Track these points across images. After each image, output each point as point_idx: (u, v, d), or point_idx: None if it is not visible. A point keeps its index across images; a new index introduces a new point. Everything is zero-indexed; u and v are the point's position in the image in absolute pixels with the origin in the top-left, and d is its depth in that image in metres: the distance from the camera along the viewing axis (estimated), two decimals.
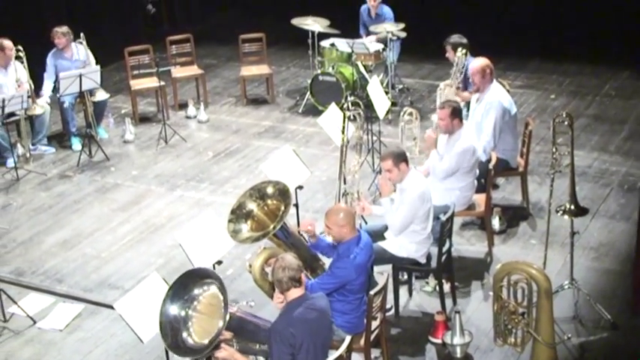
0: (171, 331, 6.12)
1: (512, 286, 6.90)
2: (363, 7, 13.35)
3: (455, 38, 10.46)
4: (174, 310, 6.15)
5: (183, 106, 13.53)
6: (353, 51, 12.84)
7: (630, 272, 8.26)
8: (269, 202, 7.47)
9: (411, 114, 9.83)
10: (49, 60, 12.28)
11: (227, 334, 6.11)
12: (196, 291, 6.23)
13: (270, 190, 7.50)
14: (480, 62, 9.56)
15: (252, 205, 7.49)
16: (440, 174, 8.63)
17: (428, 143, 8.55)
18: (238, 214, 7.46)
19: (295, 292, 6.04)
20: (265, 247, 7.29)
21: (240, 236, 7.37)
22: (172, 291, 6.17)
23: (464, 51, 10.27)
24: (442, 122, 8.69)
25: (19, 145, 12.09)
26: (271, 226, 7.22)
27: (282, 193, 7.44)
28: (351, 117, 9.51)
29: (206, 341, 6.09)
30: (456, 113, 8.65)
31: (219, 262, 7.37)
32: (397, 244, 7.80)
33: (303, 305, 6.02)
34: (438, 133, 8.82)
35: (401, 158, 7.69)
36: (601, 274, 8.60)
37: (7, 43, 11.79)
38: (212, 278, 6.28)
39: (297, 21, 13.30)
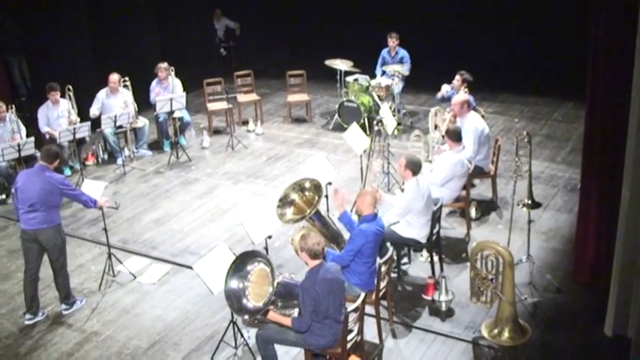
0: (235, 299, 6.18)
1: (484, 259, 6.86)
2: (384, 50, 13.23)
3: (467, 75, 10.50)
4: (234, 284, 6.22)
5: (245, 122, 13.49)
6: (370, 84, 12.80)
7: (571, 251, 8.21)
8: (307, 193, 7.48)
9: (418, 135, 9.80)
10: (152, 87, 12.35)
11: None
12: (249, 267, 6.28)
13: (307, 184, 7.50)
14: (461, 97, 9.68)
15: (294, 196, 7.50)
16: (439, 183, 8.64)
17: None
18: (284, 201, 7.49)
19: (317, 261, 6.07)
20: (304, 227, 7.30)
21: (285, 218, 7.39)
22: (231, 271, 6.24)
23: (466, 90, 10.33)
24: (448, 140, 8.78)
25: (126, 148, 12.15)
26: (308, 212, 7.23)
27: (317, 187, 7.45)
28: (379, 130, 9.56)
29: (261, 304, 6.13)
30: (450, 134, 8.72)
31: (270, 237, 7.35)
32: (404, 229, 7.79)
33: (322, 270, 6.05)
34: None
35: (410, 167, 7.69)
36: (549, 251, 8.50)
37: (113, 77, 11.83)
38: (260, 257, 6.32)
39: (329, 62, 13.24)
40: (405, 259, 8.36)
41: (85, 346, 7.32)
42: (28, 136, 10.75)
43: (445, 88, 10.99)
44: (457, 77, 10.59)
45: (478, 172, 9.43)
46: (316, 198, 7.35)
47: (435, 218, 7.84)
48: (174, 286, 8.32)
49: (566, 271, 8.02)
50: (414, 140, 9.81)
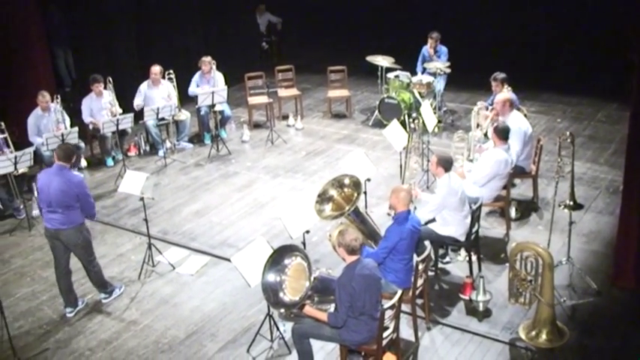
0: (272, 292, 6.21)
1: (523, 260, 6.78)
2: (425, 48, 13.13)
3: (501, 75, 10.35)
4: (271, 277, 6.25)
5: (285, 117, 13.53)
6: (411, 81, 12.74)
7: (611, 254, 8.09)
8: (346, 190, 7.47)
9: (461, 136, 9.74)
10: (195, 79, 12.45)
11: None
12: (286, 261, 6.30)
13: (347, 181, 7.50)
14: (503, 96, 9.58)
15: (333, 192, 7.50)
16: (481, 180, 8.55)
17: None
18: (323, 197, 7.50)
19: (354, 257, 6.06)
20: (342, 223, 7.30)
21: (324, 214, 7.40)
22: (269, 264, 6.26)
23: (509, 88, 10.23)
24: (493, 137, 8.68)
25: (167, 141, 12.28)
26: (347, 208, 7.23)
27: (356, 184, 7.43)
28: (414, 128, 9.49)
29: (297, 298, 6.15)
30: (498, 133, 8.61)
31: (308, 231, 7.34)
32: (441, 227, 7.75)
33: (359, 266, 6.03)
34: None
35: (442, 164, 7.65)
36: (590, 254, 8.39)
37: (154, 69, 11.98)
38: (297, 251, 6.34)
39: (370, 58, 13.19)
40: (448, 258, 8.32)
41: (123, 334, 7.42)
42: (72, 126, 10.92)
43: (481, 104, 10.73)
44: (493, 83, 10.44)
45: (519, 172, 9.32)
46: (355, 195, 7.34)
47: (475, 217, 7.78)
48: (212, 277, 8.39)
49: (606, 274, 7.91)
50: (456, 141, 9.74)
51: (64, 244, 7.57)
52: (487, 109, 10.28)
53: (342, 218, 7.33)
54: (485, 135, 9.79)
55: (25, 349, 7.24)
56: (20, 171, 9.87)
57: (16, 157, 9.57)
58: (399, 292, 6.28)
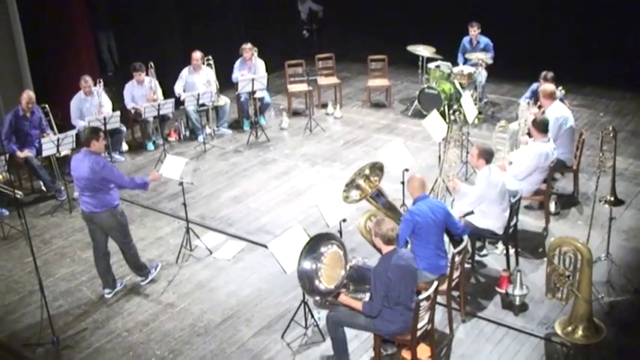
0: (307, 280, 6.23)
1: (562, 255, 6.71)
2: (466, 38, 13.02)
3: (551, 74, 10.10)
4: (307, 265, 6.26)
5: (324, 105, 13.51)
6: (452, 72, 12.63)
7: None
8: (372, 178, 7.52)
9: (503, 126, 9.63)
10: (236, 66, 12.51)
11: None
12: (322, 249, 6.31)
13: (367, 171, 7.64)
14: (550, 88, 9.46)
15: (359, 180, 7.56)
16: (521, 174, 8.48)
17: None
18: (350, 186, 7.57)
19: (391, 247, 6.05)
20: (368, 210, 7.36)
21: (348, 200, 7.46)
22: (305, 252, 6.28)
23: (562, 90, 10.14)
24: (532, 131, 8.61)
25: (207, 126, 12.35)
26: (370, 191, 7.27)
27: (379, 168, 7.49)
28: (455, 120, 9.43)
29: (332, 286, 6.17)
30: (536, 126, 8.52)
31: (344, 220, 7.33)
32: (479, 219, 7.69)
33: (395, 256, 6.01)
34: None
35: (483, 155, 7.58)
36: (629, 250, 8.26)
37: (195, 55, 12.05)
38: (334, 239, 6.35)
39: (411, 48, 13.12)
40: (485, 251, 8.26)
41: (160, 316, 7.52)
42: (114, 110, 11.05)
43: (523, 104, 10.56)
44: (542, 83, 10.24)
45: (560, 166, 9.21)
46: (378, 178, 7.38)
47: (513, 210, 7.71)
48: (248, 263, 8.45)
49: None
50: (499, 131, 9.63)
51: (99, 226, 7.67)
52: (528, 103, 10.16)
53: (371, 206, 7.36)
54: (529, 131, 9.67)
55: (63, 328, 7.38)
56: (63, 153, 10.02)
57: (58, 140, 9.72)
58: (435, 283, 6.26)
